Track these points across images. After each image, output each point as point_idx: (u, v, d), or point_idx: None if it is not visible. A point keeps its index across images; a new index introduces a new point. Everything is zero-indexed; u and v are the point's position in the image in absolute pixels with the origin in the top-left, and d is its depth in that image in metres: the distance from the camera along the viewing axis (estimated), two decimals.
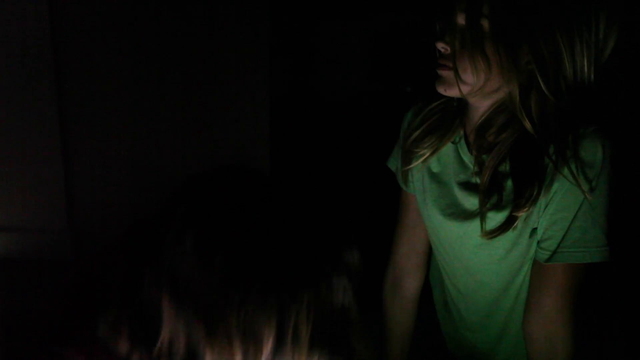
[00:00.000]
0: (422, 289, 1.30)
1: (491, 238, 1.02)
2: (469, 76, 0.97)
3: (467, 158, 1.07)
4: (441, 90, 1.01)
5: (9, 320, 1.62)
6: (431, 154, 1.10)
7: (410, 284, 1.27)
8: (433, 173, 1.13)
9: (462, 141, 1.08)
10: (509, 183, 1.00)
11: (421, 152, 1.11)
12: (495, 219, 1.02)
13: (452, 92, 1.01)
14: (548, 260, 0.99)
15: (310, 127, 3.31)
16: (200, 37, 1.71)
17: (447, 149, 1.10)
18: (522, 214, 0.98)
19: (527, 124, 0.96)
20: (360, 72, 3.32)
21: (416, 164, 1.13)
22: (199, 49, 1.72)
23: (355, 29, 3.28)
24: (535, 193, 0.96)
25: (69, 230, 1.62)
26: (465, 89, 0.99)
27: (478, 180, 1.04)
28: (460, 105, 1.09)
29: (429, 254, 1.27)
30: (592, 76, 0.95)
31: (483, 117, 1.03)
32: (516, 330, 1.12)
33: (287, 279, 0.65)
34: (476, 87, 0.98)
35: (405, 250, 1.26)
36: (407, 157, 1.14)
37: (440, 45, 0.99)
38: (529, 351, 1.05)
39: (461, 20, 0.97)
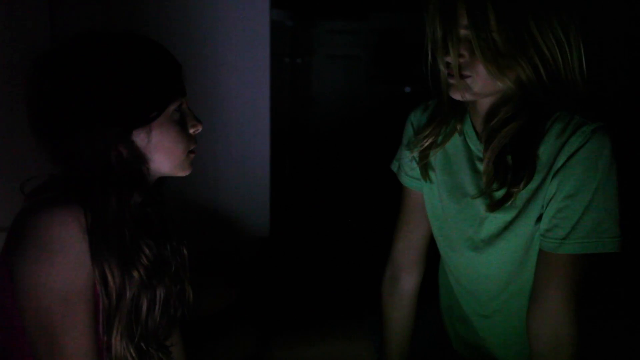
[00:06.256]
0: (425, 288, 1.30)
1: (493, 211, 1.05)
2: (483, 80, 1.01)
3: (474, 146, 1.10)
4: (457, 96, 1.03)
5: None
6: (442, 141, 1.14)
7: (407, 280, 1.27)
8: (443, 164, 1.16)
9: (471, 130, 1.11)
10: (510, 168, 1.03)
11: (432, 141, 1.14)
12: (496, 197, 1.04)
13: (469, 97, 1.03)
14: (557, 249, 0.99)
15: (309, 123, 3.32)
16: (201, 37, 1.71)
17: (455, 139, 1.13)
18: (517, 192, 1.01)
19: (525, 116, 1.01)
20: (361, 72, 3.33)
21: (435, 150, 1.16)
22: (199, 48, 1.72)
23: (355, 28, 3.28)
24: (527, 175, 1.00)
25: None
26: (479, 93, 1.03)
27: (482, 166, 1.07)
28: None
29: (427, 251, 1.28)
30: (585, 71, 1.00)
31: (488, 109, 1.06)
32: (523, 330, 1.09)
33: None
34: (488, 88, 1.02)
35: (401, 246, 1.27)
36: (423, 152, 1.16)
37: (450, 59, 1.00)
38: (532, 349, 1.03)
39: (466, 30, 0.98)
